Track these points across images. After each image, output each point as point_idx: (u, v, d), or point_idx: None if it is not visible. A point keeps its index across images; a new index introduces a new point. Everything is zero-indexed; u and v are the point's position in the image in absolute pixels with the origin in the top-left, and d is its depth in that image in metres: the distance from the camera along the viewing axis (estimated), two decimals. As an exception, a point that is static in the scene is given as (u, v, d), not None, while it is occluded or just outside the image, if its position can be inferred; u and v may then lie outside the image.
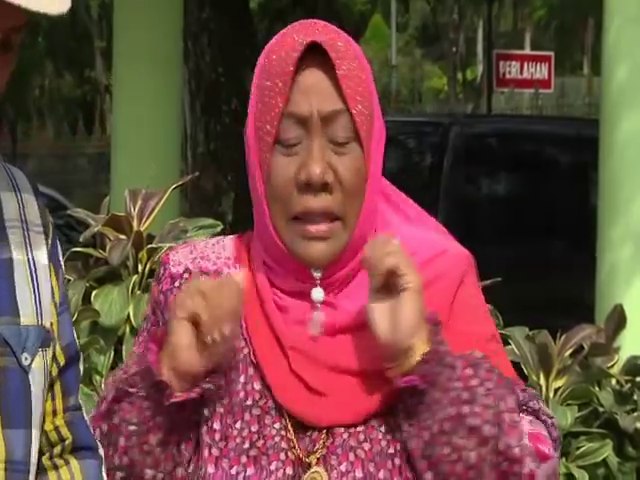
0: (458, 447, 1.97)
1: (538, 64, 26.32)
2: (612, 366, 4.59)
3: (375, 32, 39.63)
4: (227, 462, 2.03)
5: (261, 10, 16.48)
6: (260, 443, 2.03)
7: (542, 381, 4.39)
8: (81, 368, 2.18)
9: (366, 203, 2.06)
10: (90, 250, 4.20)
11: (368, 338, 2.03)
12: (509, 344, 4.42)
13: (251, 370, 2.07)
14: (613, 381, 4.55)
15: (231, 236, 2.19)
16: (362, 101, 2.04)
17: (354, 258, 2.07)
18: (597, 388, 4.49)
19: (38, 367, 2.08)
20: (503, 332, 4.42)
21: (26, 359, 2.06)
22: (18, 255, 2.08)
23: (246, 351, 2.08)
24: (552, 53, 28.47)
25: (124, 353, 3.99)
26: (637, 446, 4.28)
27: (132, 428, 2.05)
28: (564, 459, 4.23)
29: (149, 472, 2.05)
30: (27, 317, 2.07)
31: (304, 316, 2.07)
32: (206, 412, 2.06)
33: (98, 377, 3.96)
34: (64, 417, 2.13)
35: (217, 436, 2.05)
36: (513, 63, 26.07)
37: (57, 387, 2.14)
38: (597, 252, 5.58)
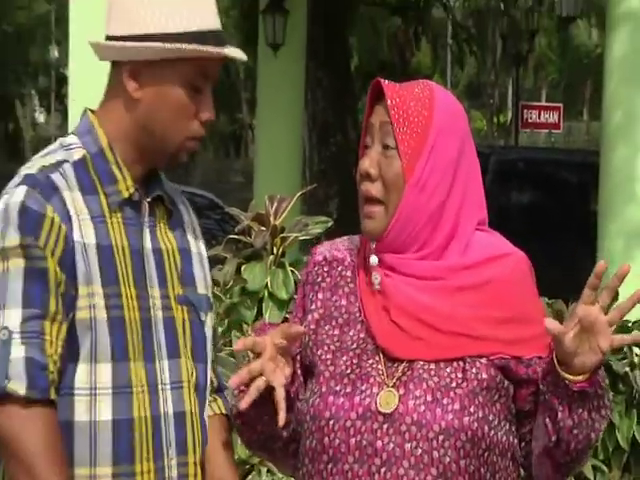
0: (595, 429, 1.95)
1: (551, 112, 25.93)
2: (608, 326, 4.49)
3: (436, 88, 39.43)
4: (334, 382, 1.99)
5: (357, 71, 16.42)
6: (357, 371, 1.99)
7: (557, 336, 4.31)
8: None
9: (404, 200, 1.98)
10: (241, 237, 4.20)
11: (449, 305, 1.98)
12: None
13: (359, 326, 2.02)
14: (608, 337, 4.46)
15: (358, 235, 2.15)
16: (404, 122, 1.99)
17: (401, 241, 2.00)
18: (597, 342, 4.40)
19: (209, 323, 2.10)
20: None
21: (202, 316, 2.09)
22: (193, 248, 2.12)
23: (357, 313, 2.03)
24: (561, 104, 28.08)
25: (263, 308, 3.99)
26: (626, 384, 4.19)
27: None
28: (573, 392, 4.16)
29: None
30: (201, 289, 2.10)
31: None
32: (319, 352, 2.03)
33: (245, 326, 3.95)
34: (212, 367, 2.14)
35: (328, 362, 2.01)
36: (533, 111, 25.72)
37: (214, 344, 2.15)
38: (598, 245, 5.52)
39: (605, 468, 4.10)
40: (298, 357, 2.06)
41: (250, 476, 3.67)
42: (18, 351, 1.86)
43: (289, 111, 9.42)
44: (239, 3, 13.42)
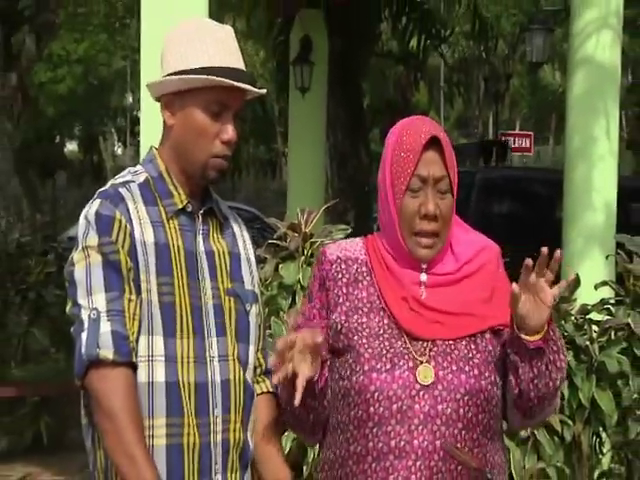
0: (552, 378, 1.96)
1: (524, 139, 25.77)
2: (572, 309, 4.47)
3: (432, 122, 39.21)
4: (374, 361, 1.98)
5: (368, 109, 16.38)
6: (392, 351, 1.99)
7: (531, 317, 4.27)
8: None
9: (450, 227, 2.05)
10: (278, 242, 4.20)
11: (455, 293, 2.01)
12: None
13: (381, 313, 2.02)
14: (572, 318, 4.44)
15: (359, 238, 2.14)
16: (453, 169, 2.02)
17: (444, 258, 2.05)
18: (563, 322, 4.39)
19: (253, 312, 2.10)
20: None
21: (248, 307, 2.09)
22: (241, 253, 2.13)
23: (377, 302, 2.03)
24: (532, 133, 27.92)
25: (296, 299, 4.00)
26: (587, 354, 4.17)
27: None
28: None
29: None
30: (248, 285, 2.10)
31: (414, 282, 2.04)
32: (356, 338, 2.01)
33: (282, 313, 3.96)
34: (261, 352, 2.15)
35: (366, 345, 2.00)
36: (510, 138, 25.63)
37: (262, 334, 2.15)
38: (562, 244, 5.54)
39: (570, 422, 4.09)
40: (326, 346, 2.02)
41: (285, 435, 3.67)
42: (105, 326, 1.90)
43: (314, 142, 9.46)
44: (274, 56, 13.47)
